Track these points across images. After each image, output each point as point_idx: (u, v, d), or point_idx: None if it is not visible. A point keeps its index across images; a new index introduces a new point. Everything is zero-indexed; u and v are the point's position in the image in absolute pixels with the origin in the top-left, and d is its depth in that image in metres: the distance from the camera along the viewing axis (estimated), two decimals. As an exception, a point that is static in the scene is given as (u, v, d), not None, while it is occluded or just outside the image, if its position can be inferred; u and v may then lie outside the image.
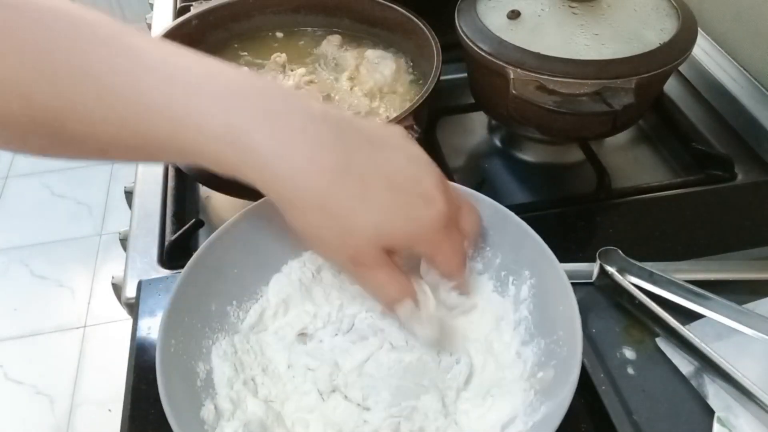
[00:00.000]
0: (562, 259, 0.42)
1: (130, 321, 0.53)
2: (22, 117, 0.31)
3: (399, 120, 0.56)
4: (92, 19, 0.32)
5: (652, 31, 0.61)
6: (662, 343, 0.48)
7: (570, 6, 0.63)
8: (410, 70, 0.71)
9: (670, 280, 0.49)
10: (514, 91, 0.57)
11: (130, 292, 0.55)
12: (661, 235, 0.58)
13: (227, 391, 0.40)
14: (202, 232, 0.60)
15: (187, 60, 0.32)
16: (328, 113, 0.34)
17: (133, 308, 0.54)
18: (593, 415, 0.44)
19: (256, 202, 0.44)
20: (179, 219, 0.61)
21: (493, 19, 0.63)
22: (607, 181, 0.64)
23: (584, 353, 0.46)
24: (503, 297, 0.46)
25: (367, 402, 0.39)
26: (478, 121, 0.77)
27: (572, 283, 0.41)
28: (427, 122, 0.66)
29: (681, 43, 0.60)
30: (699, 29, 0.63)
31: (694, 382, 0.45)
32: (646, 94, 0.61)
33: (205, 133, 0.31)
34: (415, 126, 0.56)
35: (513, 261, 0.45)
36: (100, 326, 1.64)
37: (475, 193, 0.46)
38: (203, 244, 0.43)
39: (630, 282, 0.50)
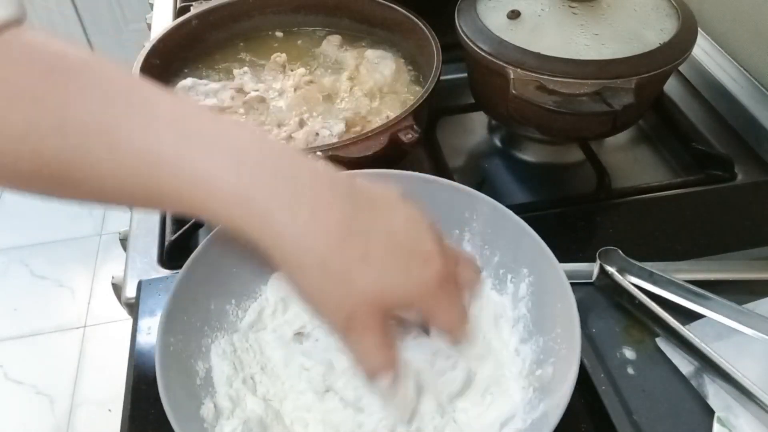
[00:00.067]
0: (562, 259, 0.42)
1: (130, 321, 0.53)
2: (30, 164, 0.31)
3: (399, 120, 0.56)
4: (108, 70, 0.32)
5: (652, 31, 0.61)
6: (662, 343, 0.48)
7: (570, 6, 0.63)
8: (410, 70, 0.71)
9: (670, 280, 0.49)
10: (514, 91, 0.57)
11: (130, 292, 0.55)
12: (661, 235, 0.58)
13: (226, 390, 0.41)
14: (201, 232, 0.60)
15: (200, 118, 0.33)
16: (335, 176, 0.34)
17: (133, 308, 0.54)
18: (593, 415, 0.44)
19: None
20: (179, 219, 0.61)
21: (493, 19, 0.63)
22: (607, 181, 0.64)
23: (584, 353, 0.46)
24: (502, 295, 0.46)
25: (360, 403, 0.39)
26: (478, 121, 0.77)
27: (572, 283, 0.41)
28: (427, 122, 0.66)
29: (681, 43, 0.60)
30: (699, 29, 0.63)
31: (694, 382, 0.45)
32: (646, 94, 0.61)
33: (212, 193, 0.31)
34: (415, 126, 0.56)
35: (511, 259, 0.45)
36: (100, 326, 1.64)
37: (474, 192, 0.46)
38: (202, 243, 0.43)
39: (630, 282, 0.50)
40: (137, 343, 0.50)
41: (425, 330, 0.40)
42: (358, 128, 0.62)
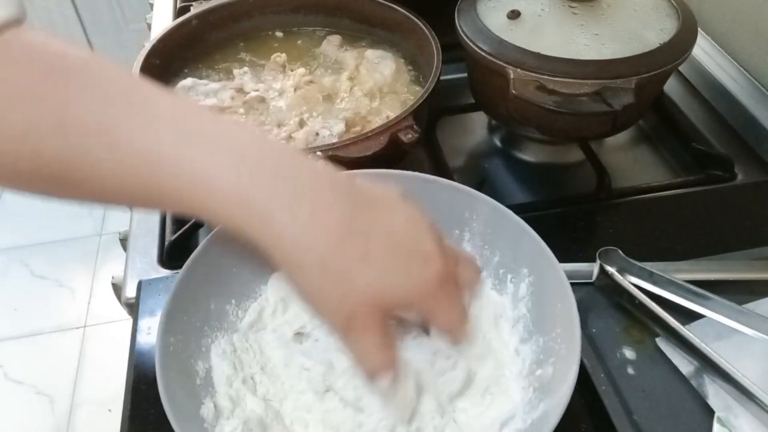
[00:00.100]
0: (562, 259, 0.42)
1: (130, 321, 0.53)
2: (30, 164, 0.31)
3: (399, 120, 0.56)
4: (108, 70, 0.32)
5: (652, 31, 0.61)
6: (662, 343, 0.48)
7: (570, 6, 0.63)
8: (410, 70, 0.71)
9: (670, 280, 0.49)
10: (514, 91, 0.57)
11: (130, 292, 0.55)
12: (661, 235, 0.58)
13: (226, 390, 0.41)
14: (201, 232, 0.60)
15: (200, 118, 0.33)
16: (335, 176, 0.34)
17: (133, 308, 0.54)
18: (593, 415, 0.44)
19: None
20: (179, 219, 0.61)
21: (493, 19, 0.63)
22: (607, 181, 0.64)
23: (584, 353, 0.46)
24: (502, 295, 0.46)
25: (360, 403, 0.39)
26: (478, 121, 0.77)
27: (572, 283, 0.40)
28: (427, 122, 0.66)
29: (681, 43, 0.60)
30: (699, 29, 0.63)
31: (694, 382, 0.45)
32: (646, 94, 0.61)
33: (212, 192, 0.31)
34: (415, 126, 0.56)
35: (511, 259, 0.45)
36: (100, 326, 1.64)
37: (473, 192, 0.46)
38: (202, 243, 0.43)
39: (630, 282, 0.50)
40: (137, 343, 0.50)
41: (425, 330, 0.40)
42: (358, 128, 0.62)
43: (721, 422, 0.42)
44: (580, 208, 0.63)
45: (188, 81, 0.68)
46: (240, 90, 0.67)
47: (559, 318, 0.40)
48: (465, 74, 0.70)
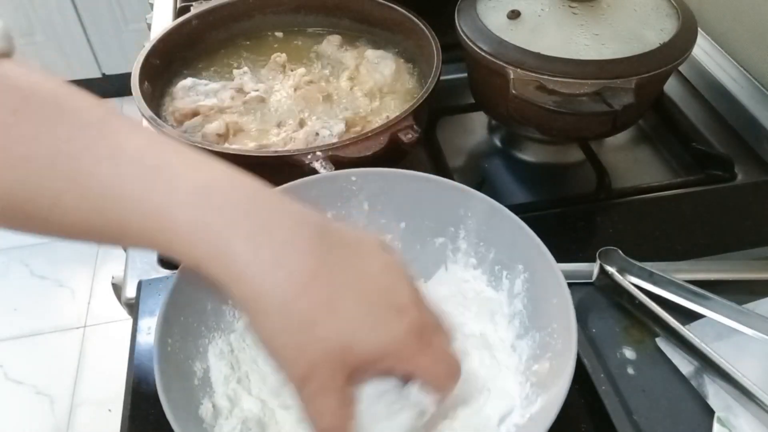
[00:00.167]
0: (563, 259, 0.42)
1: (130, 321, 0.53)
2: None
3: (399, 120, 0.56)
4: (80, 104, 0.31)
5: (652, 31, 0.61)
6: (662, 343, 0.48)
7: (570, 6, 0.63)
8: (410, 70, 0.71)
9: (670, 280, 0.49)
10: (514, 91, 0.57)
11: (130, 292, 0.55)
12: (661, 235, 0.58)
13: (224, 390, 0.41)
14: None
15: (167, 153, 0.31)
16: (306, 216, 0.32)
17: (133, 308, 0.54)
18: (593, 415, 0.44)
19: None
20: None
21: (493, 19, 0.63)
22: (607, 181, 0.64)
23: (584, 353, 0.46)
24: (497, 291, 0.46)
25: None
26: (478, 121, 0.77)
27: (572, 283, 0.41)
28: (427, 122, 0.66)
29: (681, 43, 0.60)
30: (699, 29, 0.63)
31: (694, 382, 0.45)
32: (646, 94, 0.61)
33: (173, 229, 0.30)
34: (415, 126, 0.56)
35: (507, 255, 0.46)
36: (100, 326, 1.64)
37: (468, 189, 0.46)
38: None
39: (630, 282, 0.50)
40: (137, 343, 0.50)
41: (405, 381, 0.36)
42: (358, 128, 0.62)
43: (721, 422, 0.42)
44: (580, 208, 0.63)
45: (188, 81, 0.68)
46: (240, 90, 0.67)
47: (555, 313, 0.40)
48: (465, 74, 0.70)
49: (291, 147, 0.60)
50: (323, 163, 0.52)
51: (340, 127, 0.61)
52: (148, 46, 0.67)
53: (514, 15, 0.63)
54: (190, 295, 0.42)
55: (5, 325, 1.63)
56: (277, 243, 0.30)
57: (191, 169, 0.31)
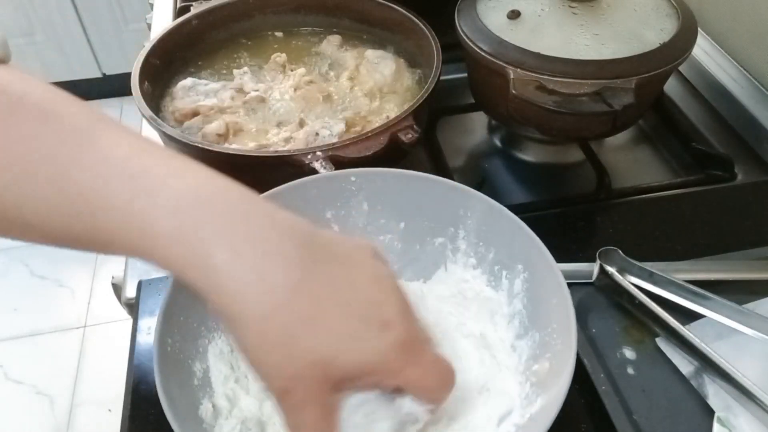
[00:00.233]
0: (562, 259, 0.42)
1: (130, 321, 0.53)
2: None
3: (399, 120, 0.56)
4: (69, 110, 0.31)
5: (652, 31, 0.61)
6: (662, 343, 0.48)
7: (570, 6, 0.63)
8: (410, 70, 0.71)
9: (670, 280, 0.49)
10: (514, 91, 0.57)
11: (130, 292, 0.55)
12: (661, 235, 0.58)
13: (224, 390, 0.41)
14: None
15: (152, 158, 0.31)
16: (293, 225, 0.32)
17: (133, 308, 0.54)
18: (593, 415, 0.44)
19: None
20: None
21: (493, 19, 0.63)
22: (607, 181, 0.64)
23: (584, 353, 0.46)
24: (497, 291, 0.46)
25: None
26: (478, 121, 0.77)
27: (572, 283, 0.41)
28: (427, 122, 0.66)
29: (681, 43, 0.60)
30: (699, 29, 0.63)
31: (694, 382, 0.45)
32: (646, 94, 0.61)
33: (156, 237, 0.29)
34: (415, 126, 0.56)
35: (506, 255, 0.46)
36: (100, 326, 1.64)
37: (467, 189, 0.46)
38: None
39: (630, 282, 0.50)
40: (137, 343, 0.50)
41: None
42: (358, 128, 0.62)
43: (721, 422, 0.42)
44: (580, 208, 0.63)
45: (188, 81, 0.68)
46: (240, 90, 0.67)
47: (555, 313, 0.40)
48: (465, 74, 0.70)
49: (291, 147, 0.60)
50: (323, 163, 0.52)
51: (340, 127, 0.61)
52: (148, 46, 0.67)
53: (514, 15, 0.63)
54: (190, 295, 0.42)
55: (5, 325, 1.63)
56: (259, 254, 0.29)
57: (174, 177, 0.30)
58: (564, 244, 0.56)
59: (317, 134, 0.61)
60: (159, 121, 0.58)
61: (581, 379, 0.45)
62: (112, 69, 2.16)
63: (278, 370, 0.30)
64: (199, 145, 0.55)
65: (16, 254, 1.80)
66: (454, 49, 0.65)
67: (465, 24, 0.63)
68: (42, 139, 0.30)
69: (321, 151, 0.53)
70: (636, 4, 0.64)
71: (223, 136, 0.62)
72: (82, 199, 0.30)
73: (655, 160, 0.72)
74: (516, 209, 0.45)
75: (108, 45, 2.10)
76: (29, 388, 1.51)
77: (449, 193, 0.47)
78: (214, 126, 0.62)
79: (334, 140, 0.59)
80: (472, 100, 0.72)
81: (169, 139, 0.57)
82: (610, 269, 0.50)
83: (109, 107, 2.06)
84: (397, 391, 0.34)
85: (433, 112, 0.71)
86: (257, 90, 0.67)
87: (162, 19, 0.90)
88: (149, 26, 0.93)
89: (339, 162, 0.52)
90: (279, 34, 0.78)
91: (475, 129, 0.76)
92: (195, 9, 0.74)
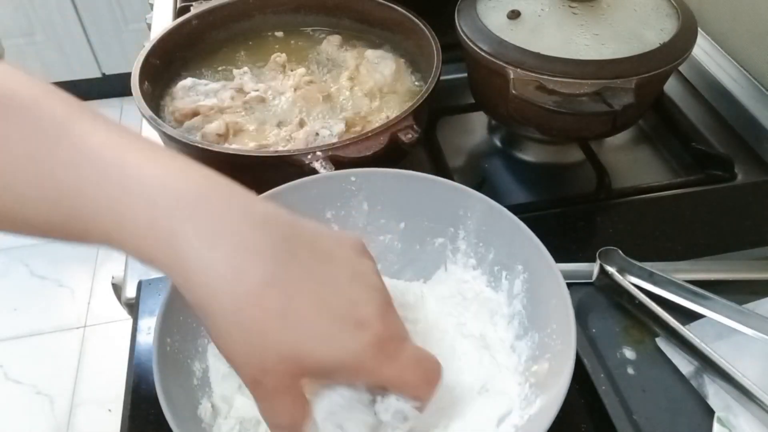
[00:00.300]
0: (563, 259, 0.42)
1: (130, 321, 0.53)
2: None
3: (399, 120, 0.56)
4: (53, 105, 0.31)
5: (652, 31, 0.61)
6: (662, 343, 0.48)
7: (570, 6, 0.63)
8: (410, 70, 0.71)
9: (670, 280, 0.49)
10: (514, 91, 0.57)
11: (130, 292, 0.55)
12: (661, 235, 0.58)
13: (223, 389, 0.41)
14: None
15: (127, 149, 0.31)
16: (271, 218, 0.31)
17: (133, 308, 0.54)
18: (593, 415, 0.44)
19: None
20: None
21: (493, 19, 0.63)
22: (607, 181, 0.64)
23: (584, 353, 0.46)
24: (497, 292, 0.46)
25: None
26: (478, 121, 0.77)
27: (572, 283, 0.41)
28: (427, 122, 0.66)
29: (681, 43, 0.60)
30: (699, 29, 0.63)
31: (694, 382, 0.45)
32: (646, 94, 0.61)
33: (129, 227, 0.29)
34: (415, 126, 0.56)
35: (506, 256, 0.46)
36: (100, 326, 1.64)
37: (467, 189, 0.46)
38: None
39: (630, 282, 0.50)
40: (137, 343, 0.50)
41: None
42: (358, 128, 0.62)
43: (721, 422, 0.42)
44: (580, 208, 0.63)
45: (188, 81, 0.68)
46: (240, 90, 0.67)
47: (554, 314, 0.40)
48: (465, 74, 0.70)
49: (291, 147, 0.60)
50: (323, 163, 0.52)
51: (340, 127, 0.61)
52: (148, 46, 0.67)
53: (514, 15, 0.63)
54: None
55: (5, 325, 1.63)
56: (233, 245, 0.29)
57: (150, 166, 0.30)
58: (564, 244, 0.56)
59: (317, 134, 0.61)
60: (159, 121, 0.58)
61: (581, 379, 0.45)
62: (112, 69, 2.16)
63: (248, 361, 0.30)
64: (199, 145, 0.55)
65: (16, 254, 1.80)
66: (454, 49, 0.65)
67: (465, 24, 0.63)
68: (21, 133, 0.30)
69: (321, 151, 0.53)
70: (636, 4, 0.64)
71: (223, 136, 0.62)
72: (59, 192, 0.30)
73: (655, 160, 0.72)
74: (516, 209, 0.45)
75: (108, 45, 2.10)
76: (29, 388, 1.51)
77: (449, 193, 0.47)
78: (214, 126, 0.62)
79: (334, 140, 0.59)
80: (472, 100, 0.72)
81: (169, 139, 0.57)
82: (610, 269, 0.50)
83: (109, 107, 2.06)
84: (382, 389, 0.34)
85: (433, 112, 0.71)
86: (257, 90, 0.67)
87: (162, 19, 0.90)
88: (149, 26, 0.93)
89: (339, 162, 0.52)
90: (279, 34, 0.78)
91: (475, 129, 0.76)
92: (195, 9, 0.74)
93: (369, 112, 0.65)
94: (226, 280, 0.29)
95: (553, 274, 0.41)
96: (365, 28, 0.76)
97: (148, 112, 0.58)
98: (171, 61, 0.70)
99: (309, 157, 0.53)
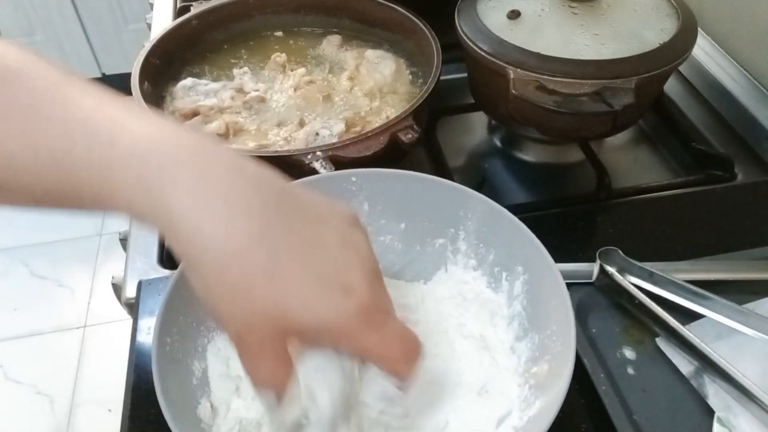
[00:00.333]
0: (562, 259, 0.42)
1: (130, 321, 0.53)
2: None
3: (399, 120, 0.56)
4: (41, 72, 0.31)
5: (652, 31, 0.61)
6: (662, 343, 0.48)
7: (570, 6, 0.63)
8: (410, 70, 0.71)
9: (670, 280, 0.49)
10: (514, 91, 0.57)
11: (130, 292, 0.55)
12: (661, 235, 0.58)
13: (222, 389, 0.41)
14: (201, 231, 0.60)
15: (115, 111, 0.31)
16: (264, 178, 0.31)
17: (133, 308, 0.54)
18: (593, 415, 0.44)
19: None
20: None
21: (493, 19, 0.63)
22: (607, 181, 0.64)
23: (584, 353, 0.46)
24: (497, 293, 0.46)
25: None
26: (478, 121, 0.77)
27: (572, 283, 0.41)
28: (427, 122, 0.66)
29: (681, 43, 0.60)
30: (699, 29, 0.63)
31: (694, 382, 0.45)
32: (646, 94, 0.61)
33: (118, 181, 0.30)
34: (415, 126, 0.56)
35: (506, 257, 0.46)
36: (100, 326, 1.64)
37: (467, 190, 0.46)
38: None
39: (630, 282, 0.50)
40: (137, 343, 0.50)
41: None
42: (358, 128, 0.62)
43: (721, 422, 0.42)
44: (580, 208, 0.63)
45: (188, 81, 0.68)
46: (240, 90, 0.67)
47: (554, 315, 0.40)
48: (465, 74, 0.70)
49: (291, 147, 0.60)
50: (323, 163, 0.52)
51: (340, 127, 0.61)
52: (148, 46, 0.67)
53: (514, 15, 0.63)
54: (189, 294, 0.42)
55: (5, 325, 1.63)
56: (223, 201, 0.29)
57: (141, 126, 0.31)
58: (564, 244, 0.56)
59: (317, 134, 0.61)
60: (159, 121, 0.58)
61: (581, 379, 0.45)
62: (112, 69, 2.16)
63: (234, 317, 0.31)
64: (199, 145, 0.55)
65: (16, 254, 1.80)
66: (454, 49, 0.65)
67: (465, 24, 0.63)
68: (12, 97, 0.30)
69: (321, 151, 0.53)
70: (636, 4, 0.64)
71: (223, 136, 0.62)
72: (48, 153, 0.30)
73: (655, 160, 0.72)
74: (516, 209, 0.45)
75: (108, 45, 2.10)
76: (29, 388, 1.51)
77: (450, 193, 0.47)
78: (214, 126, 0.62)
79: (334, 140, 0.59)
80: (472, 100, 0.72)
81: (169, 139, 0.57)
82: (610, 269, 0.50)
83: (109, 107, 2.06)
84: (361, 360, 0.34)
85: (433, 112, 0.71)
86: (257, 90, 0.67)
87: (162, 19, 0.90)
88: (149, 26, 0.93)
89: (339, 162, 0.52)
90: (279, 34, 0.78)
91: (475, 129, 0.76)
92: (195, 9, 0.74)
93: (369, 112, 0.65)
94: (214, 235, 0.29)
95: (554, 275, 0.41)
96: (365, 28, 0.76)
97: (148, 112, 0.58)
98: (171, 61, 0.70)
99: (309, 157, 0.53)
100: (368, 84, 0.68)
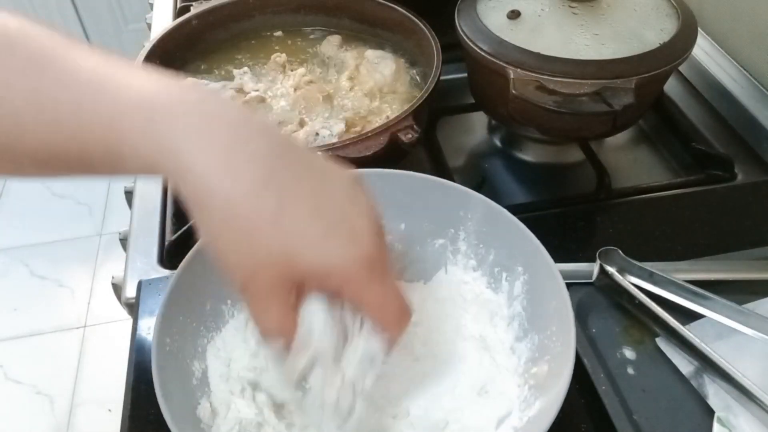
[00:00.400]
0: (562, 259, 0.42)
1: (130, 321, 0.53)
2: None
3: (399, 120, 0.56)
4: (42, 37, 0.32)
5: (652, 31, 0.61)
6: (662, 343, 0.48)
7: (570, 6, 0.63)
8: (410, 70, 0.71)
9: (670, 280, 0.49)
10: (514, 91, 0.57)
11: (130, 292, 0.55)
12: (661, 235, 0.58)
13: (222, 389, 0.41)
14: (201, 232, 0.60)
15: (119, 68, 0.32)
16: (270, 129, 0.32)
17: (133, 308, 0.54)
18: (593, 415, 0.44)
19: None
20: (179, 219, 0.61)
21: (493, 19, 0.63)
22: (607, 181, 0.64)
23: (584, 353, 0.46)
24: (497, 293, 0.46)
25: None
26: (478, 121, 0.77)
27: (572, 283, 0.41)
28: (427, 122, 0.66)
29: (681, 43, 0.60)
30: (699, 29, 0.63)
31: (694, 382, 0.45)
32: (646, 94, 0.61)
33: (127, 132, 0.30)
34: (415, 126, 0.56)
35: (506, 257, 0.46)
36: (100, 326, 1.64)
37: (467, 190, 0.46)
38: (198, 244, 0.43)
39: (630, 282, 0.50)
40: (137, 343, 0.50)
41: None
42: (358, 128, 0.62)
43: (721, 422, 0.42)
44: (580, 208, 0.63)
45: (188, 81, 0.68)
46: (240, 90, 0.67)
47: (554, 316, 0.40)
48: (465, 74, 0.70)
49: (291, 147, 0.60)
50: (323, 163, 0.52)
51: (340, 127, 0.61)
52: (148, 46, 0.67)
53: (514, 15, 0.63)
54: (189, 295, 0.42)
55: (5, 325, 1.63)
56: (230, 146, 0.30)
57: (146, 80, 0.31)
58: (564, 244, 0.56)
59: (317, 134, 0.61)
60: (159, 121, 0.58)
61: (581, 379, 0.45)
62: (112, 69, 2.16)
63: (240, 261, 0.31)
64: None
65: (16, 254, 1.80)
66: (454, 49, 0.65)
67: (465, 24, 0.63)
68: (13, 61, 0.30)
69: (321, 151, 0.53)
70: (636, 4, 0.64)
71: (223, 136, 0.62)
72: (55, 111, 0.30)
73: (655, 160, 0.72)
74: (516, 209, 0.45)
75: (108, 45, 2.10)
76: (29, 388, 1.51)
77: (450, 194, 0.47)
78: (214, 126, 0.62)
79: (334, 140, 0.59)
80: (472, 100, 0.72)
81: (169, 139, 0.57)
82: (610, 269, 0.50)
83: (109, 107, 2.06)
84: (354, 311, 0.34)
85: (433, 112, 0.71)
86: (257, 90, 0.67)
87: (162, 19, 0.90)
88: (149, 26, 0.93)
89: (339, 162, 0.52)
90: (279, 34, 0.78)
91: (475, 129, 0.76)
92: (195, 9, 0.74)
93: (369, 112, 0.65)
94: (220, 179, 0.29)
95: (553, 276, 0.41)
96: (365, 28, 0.76)
97: (148, 112, 0.58)
98: (171, 61, 0.70)
99: (309, 157, 0.53)
100: (368, 84, 0.68)
